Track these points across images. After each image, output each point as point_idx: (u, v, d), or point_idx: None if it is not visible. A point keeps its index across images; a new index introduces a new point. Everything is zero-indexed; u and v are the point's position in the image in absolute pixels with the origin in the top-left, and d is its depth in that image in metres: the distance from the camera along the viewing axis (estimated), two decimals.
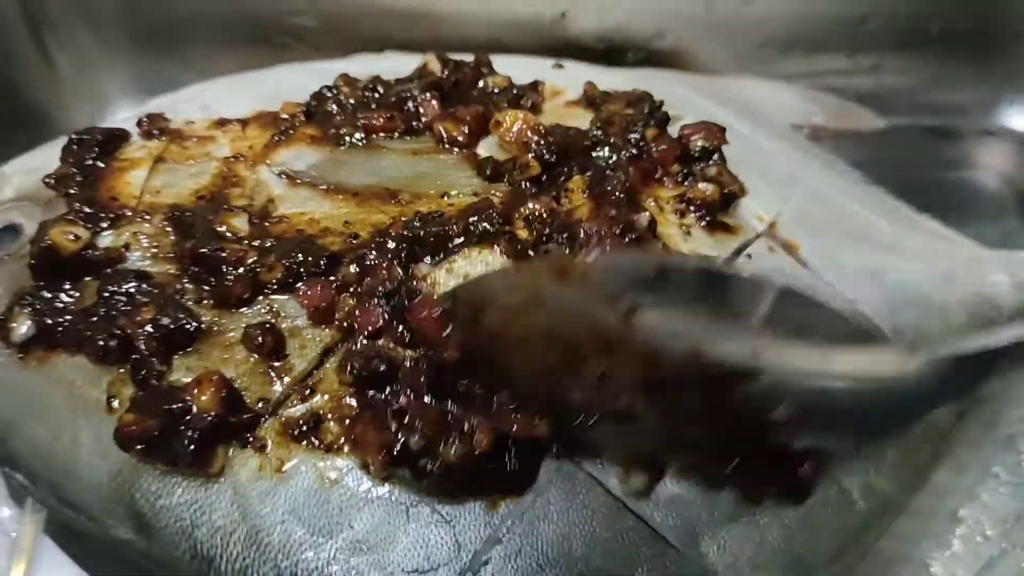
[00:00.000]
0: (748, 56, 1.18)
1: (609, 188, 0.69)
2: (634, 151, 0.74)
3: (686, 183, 0.74)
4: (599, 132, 0.76)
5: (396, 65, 0.90)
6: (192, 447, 0.56)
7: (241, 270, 0.62)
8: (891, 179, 0.91)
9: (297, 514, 0.57)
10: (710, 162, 0.77)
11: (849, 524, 0.63)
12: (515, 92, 0.83)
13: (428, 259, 0.64)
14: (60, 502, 0.63)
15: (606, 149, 0.75)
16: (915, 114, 1.20)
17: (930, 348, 0.70)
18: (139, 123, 0.76)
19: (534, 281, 0.56)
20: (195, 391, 0.57)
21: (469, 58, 0.89)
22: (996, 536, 0.64)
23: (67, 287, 0.64)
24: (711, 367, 0.56)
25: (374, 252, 0.64)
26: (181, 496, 0.58)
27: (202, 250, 0.63)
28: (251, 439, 0.58)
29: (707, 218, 0.71)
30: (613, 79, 0.92)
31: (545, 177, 0.71)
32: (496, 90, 0.84)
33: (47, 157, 0.73)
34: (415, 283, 0.62)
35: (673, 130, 0.79)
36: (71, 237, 0.64)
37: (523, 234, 0.65)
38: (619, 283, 0.55)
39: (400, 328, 0.60)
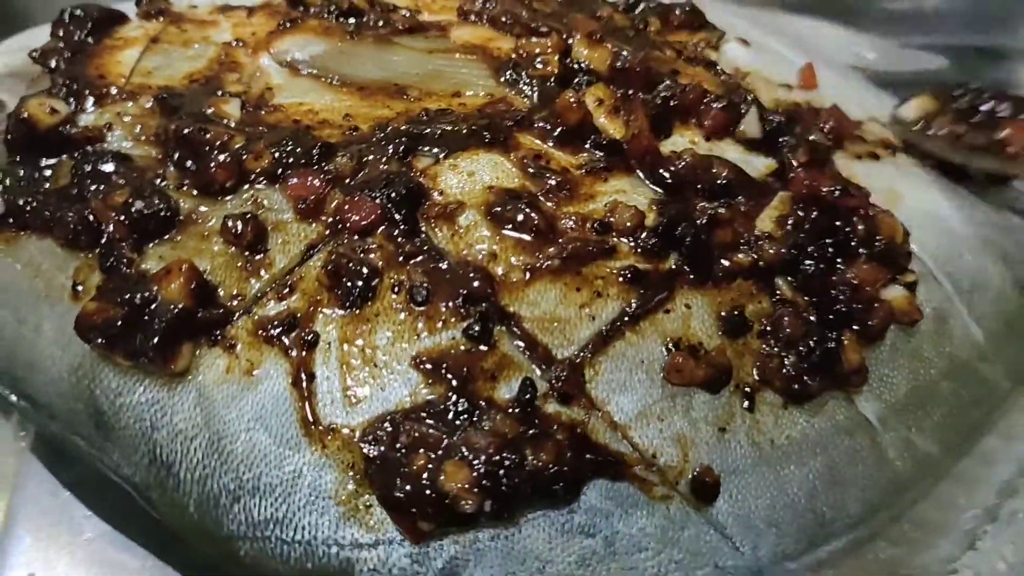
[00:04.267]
0: None
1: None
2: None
3: None
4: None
5: None
6: (155, 340, 0.50)
7: (226, 156, 0.57)
8: None
9: (264, 422, 0.51)
10: None
11: (881, 484, 0.55)
12: None
13: (432, 151, 0.58)
14: (21, 397, 0.59)
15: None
16: (960, 33, 1.12)
17: None
18: (137, 2, 0.71)
19: None
20: (163, 280, 0.52)
21: None
22: None
23: (42, 164, 0.60)
24: None
25: (373, 144, 0.58)
26: (143, 395, 0.53)
27: (186, 131, 0.58)
28: (220, 337, 0.53)
29: None
30: None
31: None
32: None
33: (39, 37, 0.69)
34: (415, 175, 0.56)
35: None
36: (48, 110, 0.59)
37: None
38: None
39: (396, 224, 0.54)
